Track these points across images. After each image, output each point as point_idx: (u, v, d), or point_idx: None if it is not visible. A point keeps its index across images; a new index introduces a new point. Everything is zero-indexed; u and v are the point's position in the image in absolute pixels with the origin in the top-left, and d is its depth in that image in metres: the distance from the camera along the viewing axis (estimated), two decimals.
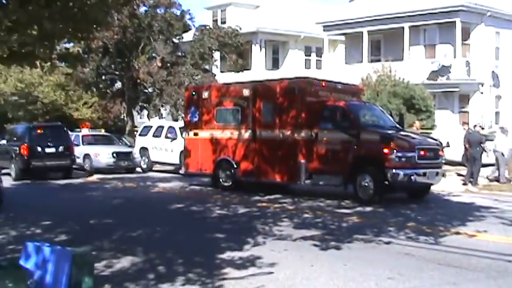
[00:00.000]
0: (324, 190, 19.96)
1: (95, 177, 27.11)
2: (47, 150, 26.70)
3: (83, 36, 10.08)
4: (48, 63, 9.76)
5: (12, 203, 17.65)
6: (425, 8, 37.00)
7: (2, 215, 15.72)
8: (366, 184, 18.11)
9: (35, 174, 26.52)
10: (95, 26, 9.40)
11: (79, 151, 30.48)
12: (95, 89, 46.61)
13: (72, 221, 14.63)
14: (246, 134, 21.12)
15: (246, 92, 21.39)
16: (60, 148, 26.98)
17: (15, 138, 27.92)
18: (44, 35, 8.72)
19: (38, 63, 9.56)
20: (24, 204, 18.14)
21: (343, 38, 44.12)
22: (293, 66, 47.06)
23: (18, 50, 9.07)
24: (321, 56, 47.51)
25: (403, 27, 38.16)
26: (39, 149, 26.58)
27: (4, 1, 9.00)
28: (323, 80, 21.65)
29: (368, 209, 17.00)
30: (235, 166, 21.37)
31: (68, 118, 54.75)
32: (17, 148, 26.69)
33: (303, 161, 19.47)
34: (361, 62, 40.44)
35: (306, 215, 15.74)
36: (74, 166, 28.17)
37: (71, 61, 11.51)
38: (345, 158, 18.69)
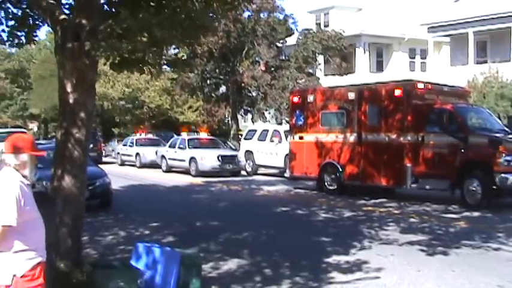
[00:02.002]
0: (430, 194, 19.56)
1: (200, 180, 27.53)
2: None
3: (190, 42, 10.28)
4: (157, 69, 9.96)
5: (121, 205, 18.19)
6: None
7: (111, 216, 16.24)
8: (474, 188, 17.62)
9: None
10: (202, 31, 9.57)
11: (185, 154, 31.11)
12: (199, 93, 47.35)
13: (179, 223, 14.94)
14: (352, 138, 20.98)
15: (351, 95, 21.26)
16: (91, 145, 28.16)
17: None
18: (154, 42, 8.91)
19: (147, 69, 9.75)
20: (132, 205, 18.60)
21: (448, 39, 43.07)
22: (397, 68, 46.30)
23: (128, 56, 9.32)
24: (425, 58, 46.53)
25: (510, 27, 36.83)
26: None
27: (114, 10, 9.31)
28: (429, 83, 21.21)
29: (476, 214, 16.56)
30: (340, 170, 21.25)
31: (173, 122, 56.02)
32: None
33: (409, 164, 19.16)
34: (467, 63, 39.31)
35: (412, 220, 15.47)
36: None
37: (180, 66, 11.75)
38: (452, 162, 18.26)
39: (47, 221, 5.23)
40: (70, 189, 8.60)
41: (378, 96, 20.48)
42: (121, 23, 8.30)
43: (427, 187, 19.18)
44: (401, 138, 19.45)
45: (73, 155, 8.58)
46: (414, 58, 48.28)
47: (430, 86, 20.49)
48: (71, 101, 8.57)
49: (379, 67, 48.05)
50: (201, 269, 8.51)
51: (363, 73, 44.93)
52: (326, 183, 21.89)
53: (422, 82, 21.02)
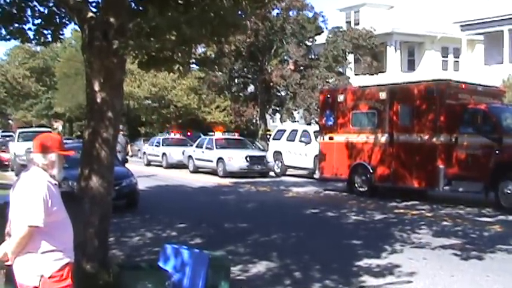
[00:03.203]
0: (464, 197, 19.36)
1: (228, 181, 27.55)
2: None
3: (219, 40, 10.28)
4: (186, 67, 9.97)
5: (147, 205, 18.23)
6: None
7: (138, 217, 16.29)
8: (509, 191, 17.42)
9: None
10: (232, 29, 9.56)
11: (212, 155, 31.14)
12: (227, 93, 47.48)
13: (206, 224, 14.95)
14: (383, 138, 20.86)
15: (383, 95, 21.14)
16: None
17: None
18: (183, 40, 8.92)
19: (175, 67, 9.76)
20: (159, 206, 18.64)
21: (482, 37, 42.67)
22: (429, 68, 45.99)
23: (156, 55, 9.35)
24: (458, 57, 46.21)
25: None
26: None
27: (142, 8, 9.33)
28: (462, 82, 21.05)
29: (511, 217, 16.36)
30: (371, 171, 21.15)
31: (200, 122, 56.13)
32: None
33: (441, 166, 19.00)
34: (502, 62, 38.93)
35: (445, 223, 15.33)
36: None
37: (209, 65, 11.76)
38: (486, 163, 18.06)
39: (74, 221, 5.25)
40: (97, 189, 8.64)
41: (409, 96, 20.35)
42: (149, 21, 8.32)
43: (460, 189, 19.00)
44: (434, 139, 19.29)
45: (100, 155, 8.62)
46: (447, 57, 47.95)
47: (463, 86, 20.32)
48: (98, 100, 8.61)
49: (411, 66, 47.79)
50: (229, 272, 8.49)
51: (394, 72, 44.73)
52: (356, 185, 21.79)
53: (455, 81, 20.85)
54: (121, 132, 30.48)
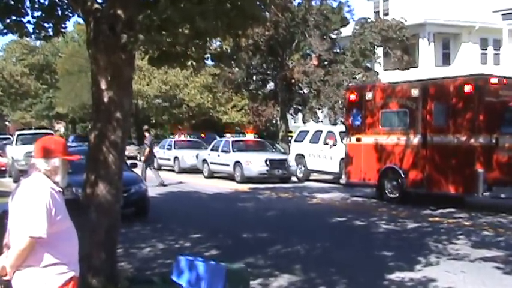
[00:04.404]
0: (506, 204, 19.25)
1: (246, 187, 27.55)
2: None
3: (237, 34, 10.27)
4: (200, 63, 9.98)
5: (159, 213, 18.29)
6: None
7: (148, 226, 16.32)
8: None
9: None
10: (250, 22, 9.55)
11: (229, 158, 31.16)
12: (245, 91, 47.50)
13: (223, 234, 14.96)
14: (415, 140, 20.77)
15: (415, 92, 21.05)
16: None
17: None
18: (197, 34, 8.93)
19: (188, 63, 9.77)
20: (171, 214, 18.71)
21: None
22: (467, 61, 45.77)
23: (168, 50, 9.35)
24: (499, 49, 45.93)
25: None
26: None
27: None
28: (504, 77, 20.89)
29: None
30: (402, 175, 21.06)
31: (216, 122, 56.16)
32: None
33: (481, 170, 18.89)
34: None
35: (486, 233, 15.24)
36: None
37: (225, 60, 11.78)
38: None
39: (79, 231, 5.25)
40: (104, 197, 8.65)
41: (445, 93, 20.25)
42: (161, 14, 8.33)
43: (502, 196, 18.90)
44: (472, 140, 19.18)
45: (108, 159, 8.63)
46: (486, 49, 47.70)
47: (505, 81, 20.16)
48: (105, 99, 8.62)
49: (446, 60, 47.56)
50: (248, 286, 8.49)
51: (427, 67, 44.56)
52: (387, 191, 21.72)
53: (496, 76, 20.69)
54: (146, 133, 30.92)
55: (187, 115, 57.60)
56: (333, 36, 43.79)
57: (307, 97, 43.61)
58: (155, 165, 33.55)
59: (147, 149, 28.46)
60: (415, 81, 22.73)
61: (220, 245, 13.57)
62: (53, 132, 46.78)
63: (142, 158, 29.85)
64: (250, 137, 34.72)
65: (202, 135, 45.40)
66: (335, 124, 39.07)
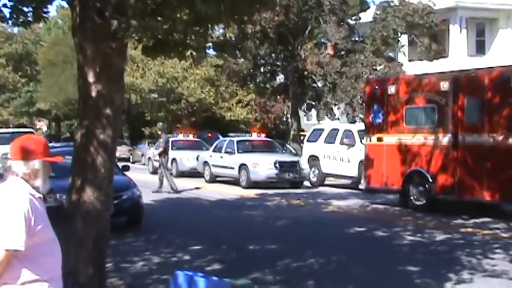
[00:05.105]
0: None
1: (253, 193, 27.57)
2: None
3: (242, 19, 10.24)
4: (201, 53, 9.95)
5: (154, 222, 18.34)
6: None
7: (142, 237, 16.34)
8: None
9: None
10: (258, 6, 9.52)
11: (233, 160, 31.17)
12: (251, 84, 47.55)
13: (227, 246, 14.98)
14: (445, 139, 20.74)
15: (445, 86, 21.01)
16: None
17: None
18: (197, 20, 8.90)
19: (188, 53, 9.74)
20: (168, 224, 18.74)
21: None
22: (504, 50, 45.70)
23: (165, 38, 9.32)
24: None
25: None
26: None
27: None
28: None
29: None
30: (430, 180, 21.04)
31: (218, 120, 56.19)
32: None
33: None
34: None
35: None
36: None
37: (229, 50, 11.71)
38: None
39: (62, 243, 5.22)
40: (92, 204, 8.63)
41: (479, 86, 20.23)
42: None
43: None
44: (511, 140, 19.17)
45: (96, 161, 8.61)
46: None
47: None
48: (93, 93, 8.60)
49: (480, 49, 47.55)
50: None
51: (458, 57, 44.55)
52: (412, 198, 21.71)
53: None
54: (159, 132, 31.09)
55: (186, 112, 57.62)
56: (351, 23, 43.82)
57: (322, 91, 43.67)
58: (151, 168, 33.77)
59: (161, 150, 28.52)
60: (444, 73, 22.72)
61: (224, 258, 13.58)
62: (34, 131, 46.96)
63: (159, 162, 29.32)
64: (256, 136, 34.74)
65: (209, 135, 45.46)
66: (353, 122, 39.10)
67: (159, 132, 30.94)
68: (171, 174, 29.82)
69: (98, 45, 8.57)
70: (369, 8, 45.91)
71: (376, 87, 23.58)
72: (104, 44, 8.56)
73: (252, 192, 27.93)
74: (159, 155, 28.65)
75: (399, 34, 41.89)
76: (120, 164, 21.01)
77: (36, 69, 75.19)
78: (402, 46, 43.32)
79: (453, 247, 15.02)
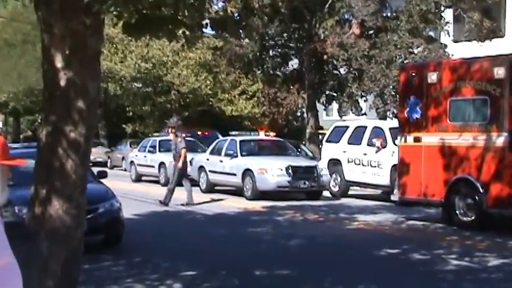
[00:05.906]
0: None
1: (260, 205, 27.60)
2: None
3: None
4: (196, 32, 9.94)
5: (136, 242, 18.41)
6: None
7: (122, 260, 16.38)
8: None
9: None
10: None
11: (236, 165, 31.18)
12: (258, 71, 47.54)
13: (227, 271, 15.01)
14: (499, 140, 20.70)
15: (500, 73, 20.96)
16: None
17: None
18: None
19: (179, 32, 9.73)
20: (155, 243, 18.79)
21: None
22: None
23: (151, 13, 9.32)
24: None
25: None
26: None
27: None
28: None
29: None
30: (481, 190, 21.00)
31: (217, 115, 56.12)
32: None
33: None
34: None
35: None
36: None
37: (230, 28, 11.67)
38: None
39: (23, 268, 5.19)
40: (60, 219, 8.63)
41: None
42: None
43: None
44: None
45: (66, 166, 8.61)
46: None
47: None
48: (62, 82, 8.60)
49: None
50: None
51: None
52: (458, 212, 21.69)
53: None
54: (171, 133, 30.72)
55: (177, 105, 57.58)
56: None
57: (345, 80, 43.65)
58: (133, 175, 33.59)
59: (183, 152, 28.12)
60: (499, 57, 22.64)
61: (223, 286, 13.61)
62: None
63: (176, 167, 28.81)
64: (264, 135, 34.82)
65: (205, 132, 45.50)
66: (384, 118, 39.11)
67: (172, 131, 29.31)
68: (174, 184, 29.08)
69: (67, 21, 8.56)
70: None
71: (413, 74, 23.55)
72: (75, 20, 8.56)
73: (258, 205, 27.98)
74: (174, 159, 28.43)
75: (442, 8, 41.80)
76: (96, 170, 21.04)
77: None
78: (446, 23, 43.18)
79: (510, 274, 15.01)
